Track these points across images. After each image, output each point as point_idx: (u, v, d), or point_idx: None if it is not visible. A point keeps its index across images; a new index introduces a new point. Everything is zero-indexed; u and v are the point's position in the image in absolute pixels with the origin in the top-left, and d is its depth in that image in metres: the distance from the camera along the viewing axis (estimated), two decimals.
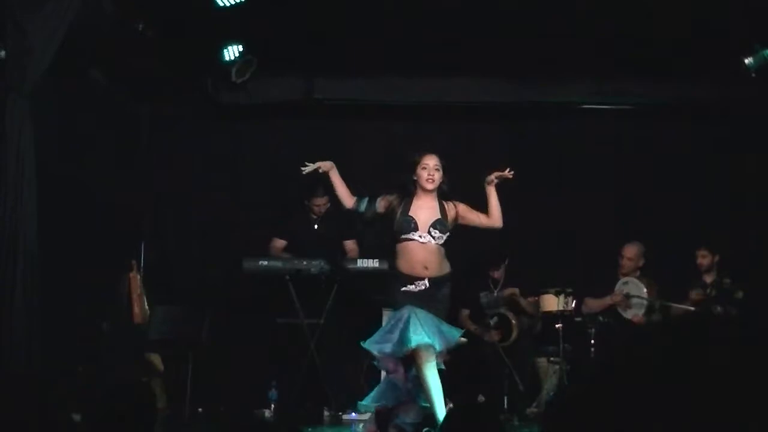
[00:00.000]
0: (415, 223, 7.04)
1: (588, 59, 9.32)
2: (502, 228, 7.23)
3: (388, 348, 6.87)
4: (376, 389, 7.28)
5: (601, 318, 9.25)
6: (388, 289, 7.23)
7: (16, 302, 6.52)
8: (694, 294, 9.22)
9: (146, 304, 8.70)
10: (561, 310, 9.18)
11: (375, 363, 7.38)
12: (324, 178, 7.39)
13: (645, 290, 9.20)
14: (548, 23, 8.71)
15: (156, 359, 8.59)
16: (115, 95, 9.17)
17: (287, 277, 9.05)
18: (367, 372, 9.41)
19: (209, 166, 10.16)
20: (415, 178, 7.15)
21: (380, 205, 7.23)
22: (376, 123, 10.31)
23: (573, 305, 9.25)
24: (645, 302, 9.17)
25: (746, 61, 8.82)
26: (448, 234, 7.07)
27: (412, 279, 6.98)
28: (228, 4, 8.21)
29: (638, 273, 9.41)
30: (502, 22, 8.74)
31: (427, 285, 6.97)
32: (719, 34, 8.61)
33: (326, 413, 9.04)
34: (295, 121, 10.29)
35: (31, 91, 6.67)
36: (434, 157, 7.19)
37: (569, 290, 9.22)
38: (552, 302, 9.28)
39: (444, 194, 7.19)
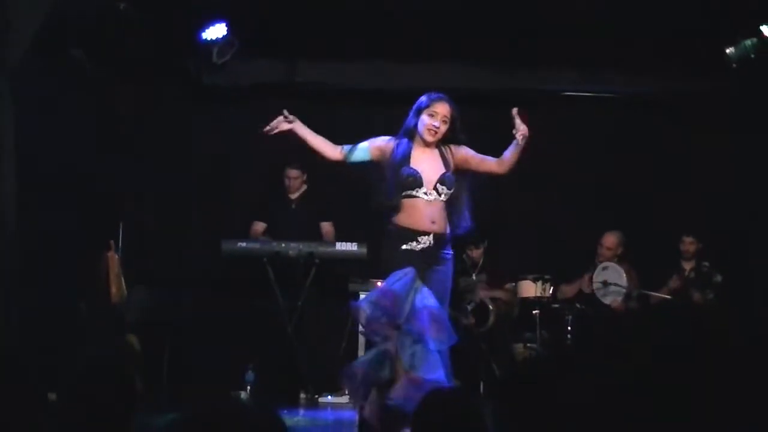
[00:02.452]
0: (420, 178, 6.40)
1: (571, 47, 9.32)
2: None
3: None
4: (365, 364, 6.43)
5: (578, 305, 9.28)
6: (386, 249, 6.46)
7: None
8: (673, 281, 9.28)
9: (124, 284, 8.67)
10: (538, 297, 9.23)
11: (361, 331, 6.69)
12: (293, 141, 6.93)
13: (624, 276, 9.23)
14: (534, 10, 8.72)
15: (133, 340, 8.57)
16: (97, 74, 9.11)
17: (265, 260, 9.06)
18: (344, 355, 9.43)
19: (189, 147, 10.12)
20: (416, 123, 6.50)
21: (372, 152, 6.62)
22: (358, 108, 10.29)
23: (551, 292, 9.29)
24: (623, 289, 9.21)
25: (728, 51, 8.84)
26: (453, 189, 6.45)
27: (416, 234, 6.34)
28: None
29: (616, 260, 9.46)
30: (488, 8, 8.74)
31: (431, 242, 6.34)
32: (703, 24, 8.63)
33: (302, 396, 9.06)
34: (276, 104, 10.24)
35: (11, 68, 6.63)
36: (446, 106, 6.49)
37: (547, 277, 9.26)
38: (530, 288, 9.32)
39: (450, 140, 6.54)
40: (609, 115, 10.30)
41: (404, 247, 6.34)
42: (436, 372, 6.12)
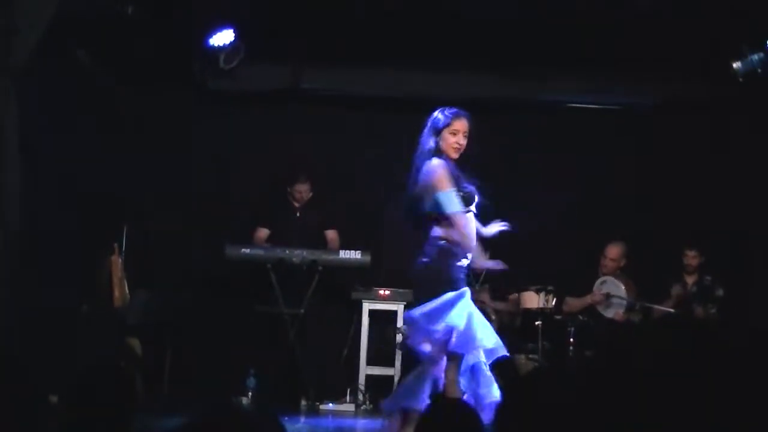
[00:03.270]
0: (474, 194, 6.37)
1: (575, 58, 9.32)
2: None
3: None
4: (405, 386, 6.36)
5: (580, 317, 9.26)
6: (441, 265, 6.26)
7: None
8: (675, 292, 9.27)
9: (127, 288, 8.67)
10: (541, 308, 9.20)
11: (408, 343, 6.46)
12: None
13: (623, 288, 9.23)
14: (538, 20, 8.72)
15: (135, 343, 8.56)
16: (102, 78, 9.12)
17: (269, 266, 9.05)
18: (345, 362, 9.44)
19: (194, 152, 10.12)
20: (437, 141, 6.39)
21: None
22: (363, 115, 10.30)
23: (553, 303, 9.26)
24: (624, 302, 9.20)
25: (734, 65, 8.83)
26: None
27: (465, 254, 6.30)
28: None
29: (618, 272, 9.45)
30: (493, 17, 8.74)
31: (469, 259, 6.36)
32: (708, 37, 8.63)
33: (303, 402, 9.05)
34: (281, 110, 10.27)
35: (16, 70, 6.64)
36: (465, 122, 6.45)
37: (550, 288, 9.23)
38: (532, 299, 9.29)
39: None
40: (614, 127, 10.29)
41: (459, 263, 6.31)
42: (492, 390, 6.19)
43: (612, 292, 9.27)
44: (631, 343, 1.82)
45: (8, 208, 6.63)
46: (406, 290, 8.89)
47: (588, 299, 9.40)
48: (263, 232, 9.58)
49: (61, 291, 8.06)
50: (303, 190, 9.56)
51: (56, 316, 7.93)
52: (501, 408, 3.38)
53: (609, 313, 9.27)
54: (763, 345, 1.70)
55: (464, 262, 6.30)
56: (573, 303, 9.47)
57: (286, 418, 8.03)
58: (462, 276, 6.29)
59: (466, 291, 6.26)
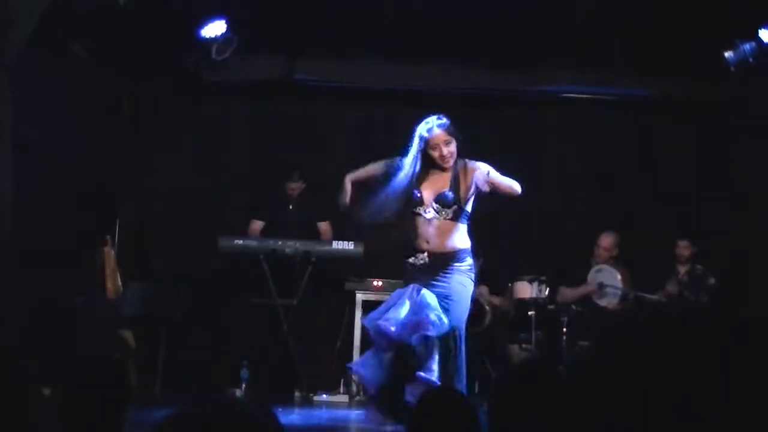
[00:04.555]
0: (421, 198, 6.68)
1: (571, 49, 9.32)
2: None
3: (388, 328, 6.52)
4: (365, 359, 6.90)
5: (574, 306, 9.28)
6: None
7: None
8: (671, 287, 9.30)
9: (119, 279, 8.67)
10: (534, 298, 9.22)
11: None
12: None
13: (619, 277, 9.26)
14: (535, 13, 8.72)
15: (128, 336, 8.56)
16: (96, 70, 9.11)
17: (262, 257, 9.05)
18: (339, 353, 9.44)
19: (188, 144, 10.11)
20: (427, 157, 6.70)
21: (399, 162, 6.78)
22: (357, 106, 10.30)
23: (546, 293, 9.28)
24: (619, 291, 9.22)
25: (726, 55, 8.84)
26: (454, 207, 6.63)
27: (415, 251, 6.71)
28: None
29: (611, 261, 9.47)
30: (490, 8, 8.73)
31: (426, 260, 6.65)
32: (701, 28, 8.63)
33: (297, 394, 9.06)
34: (275, 102, 10.26)
35: (10, 63, 6.63)
36: (441, 134, 6.68)
37: (543, 278, 9.26)
38: (525, 289, 9.31)
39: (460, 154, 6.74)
40: (607, 117, 10.31)
41: (408, 259, 6.75)
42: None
43: (607, 281, 9.30)
44: (625, 332, 1.82)
45: (2, 202, 6.62)
46: (400, 281, 8.89)
47: (582, 289, 9.42)
48: (257, 225, 9.58)
49: (57, 284, 8.05)
50: (295, 188, 9.59)
51: (52, 308, 7.93)
52: (496, 396, 3.40)
53: (603, 303, 9.29)
54: (757, 334, 1.70)
55: (412, 260, 6.71)
56: (567, 293, 9.48)
57: (280, 410, 8.04)
58: (409, 272, 6.74)
59: (406, 291, 6.64)
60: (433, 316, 6.51)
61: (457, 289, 6.68)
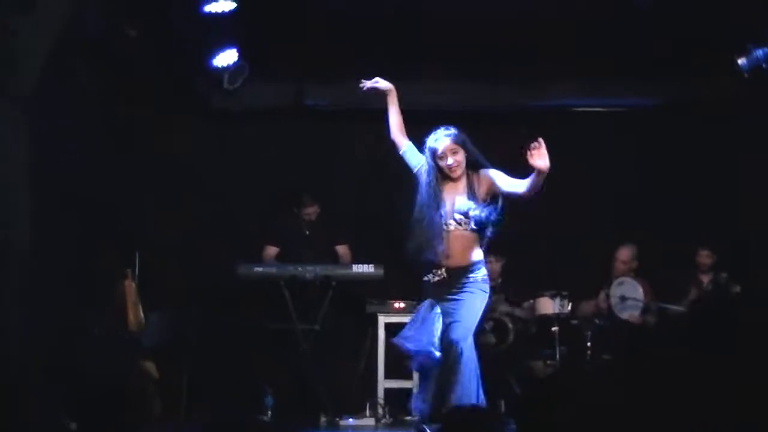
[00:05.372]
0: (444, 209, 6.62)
1: (580, 61, 9.32)
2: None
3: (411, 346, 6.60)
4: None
5: (596, 320, 9.25)
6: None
7: (6, 306, 6.50)
8: (693, 295, 9.26)
9: (141, 311, 8.67)
10: (557, 313, 9.19)
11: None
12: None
13: (641, 290, 9.22)
14: (539, 25, 8.73)
15: (150, 366, 8.56)
16: (107, 99, 9.13)
17: (282, 283, 9.04)
18: (362, 377, 9.41)
19: (201, 172, 10.12)
20: (436, 167, 6.70)
21: (419, 167, 6.76)
22: (368, 129, 10.29)
23: (569, 308, 9.25)
24: (641, 303, 9.18)
25: (739, 61, 8.82)
26: (477, 213, 6.57)
27: (431, 267, 6.63)
28: (219, 11, 8.23)
29: (632, 274, 9.43)
30: (495, 26, 8.75)
31: (445, 276, 6.60)
32: (712, 35, 8.62)
33: (323, 419, 9.03)
34: (286, 127, 10.28)
35: (21, 92, 6.65)
36: (447, 141, 6.69)
37: (565, 293, 9.23)
38: (547, 305, 9.29)
39: (473, 166, 6.73)
40: (620, 128, 10.29)
41: (424, 278, 6.69)
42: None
43: (629, 294, 9.27)
44: (648, 344, 1.80)
45: (18, 232, 6.63)
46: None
47: (595, 302, 9.41)
48: (272, 250, 9.57)
49: (73, 315, 8.05)
50: (311, 212, 9.58)
51: (68, 339, 7.92)
52: (522, 413, 3.37)
53: (624, 315, 9.25)
54: None
55: (429, 278, 6.66)
56: (585, 307, 9.48)
57: None
58: (425, 289, 6.71)
59: (424, 308, 6.64)
60: (431, 347, 6.53)
61: (469, 298, 6.61)
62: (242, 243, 9.82)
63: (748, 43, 8.74)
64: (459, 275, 6.60)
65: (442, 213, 6.62)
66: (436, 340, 6.51)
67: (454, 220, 6.61)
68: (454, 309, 6.58)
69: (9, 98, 6.57)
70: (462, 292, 6.60)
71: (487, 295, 6.75)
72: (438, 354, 6.50)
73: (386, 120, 6.99)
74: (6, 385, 3.14)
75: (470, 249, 6.63)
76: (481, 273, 6.67)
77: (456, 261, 6.60)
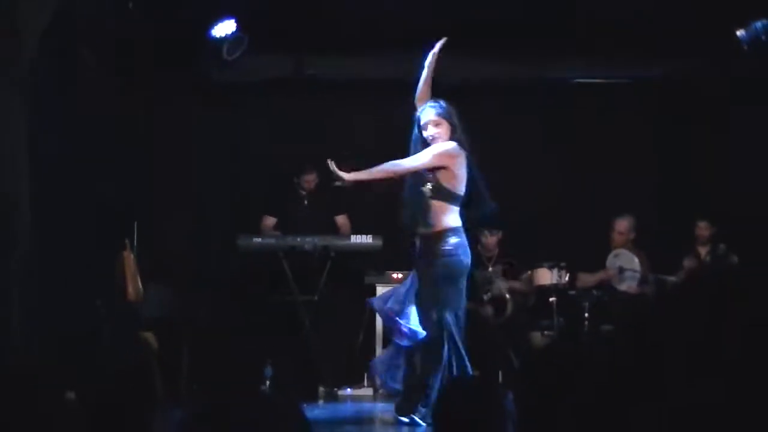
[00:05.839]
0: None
1: (579, 35, 9.29)
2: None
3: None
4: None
5: (594, 291, 9.27)
6: None
7: (10, 281, 6.52)
8: (688, 264, 9.27)
9: (140, 283, 8.68)
10: (555, 284, 9.21)
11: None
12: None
13: (637, 261, 9.24)
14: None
15: (150, 338, 8.58)
16: (106, 75, 9.11)
17: (281, 254, 9.05)
18: (361, 347, 9.43)
19: (200, 144, 10.11)
20: (423, 138, 6.82)
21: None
22: (369, 100, 10.27)
23: (567, 279, 9.27)
24: (638, 274, 9.20)
25: (738, 33, 8.79)
26: (433, 183, 6.70)
27: (413, 236, 6.86)
28: None
29: (629, 245, 9.44)
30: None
31: (418, 244, 6.77)
32: (712, 7, 8.60)
33: (321, 389, 9.06)
34: (286, 98, 10.26)
35: (20, 72, 6.64)
36: (430, 114, 6.83)
37: (563, 264, 9.24)
38: (546, 276, 9.30)
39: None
40: (619, 102, 10.28)
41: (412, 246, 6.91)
42: None
43: (626, 265, 9.28)
44: (648, 315, 1.81)
45: (20, 209, 6.64)
46: None
47: (601, 275, 9.40)
48: (270, 221, 9.57)
49: (76, 289, 8.07)
50: (311, 180, 9.56)
51: (71, 313, 7.94)
52: (520, 383, 3.38)
53: (622, 287, 9.27)
54: None
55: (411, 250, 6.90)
56: (586, 278, 9.47)
57: (305, 405, 8.05)
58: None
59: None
60: (405, 328, 6.65)
61: (441, 274, 6.68)
62: (242, 214, 9.82)
63: (747, 15, 8.72)
64: (430, 245, 6.70)
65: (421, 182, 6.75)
66: (405, 329, 6.66)
67: (428, 186, 6.73)
68: (433, 283, 6.73)
69: (6, 76, 6.55)
70: (435, 265, 6.71)
71: (463, 262, 6.78)
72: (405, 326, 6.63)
73: (417, 82, 7.08)
74: (10, 365, 3.16)
75: (438, 217, 6.71)
76: (452, 241, 6.71)
77: (426, 229, 6.72)
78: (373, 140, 9.71)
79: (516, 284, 9.59)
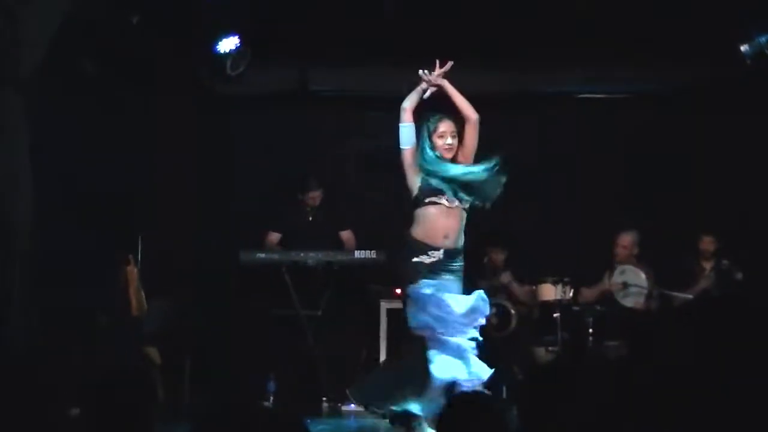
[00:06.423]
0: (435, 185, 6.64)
1: (581, 47, 9.30)
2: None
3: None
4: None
5: (598, 307, 9.25)
6: (396, 259, 6.87)
7: (12, 294, 6.51)
8: (704, 283, 9.25)
9: (144, 297, 8.69)
10: (558, 300, 9.19)
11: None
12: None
13: (644, 276, 9.20)
14: (541, 11, 8.72)
15: (153, 352, 8.58)
16: (109, 86, 9.12)
17: (284, 269, 9.05)
18: (365, 363, 9.42)
19: (204, 158, 10.12)
20: (432, 146, 6.71)
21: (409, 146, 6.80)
22: (371, 114, 10.28)
23: (570, 294, 9.25)
24: (644, 290, 9.17)
25: (742, 48, 8.80)
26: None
27: (427, 248, 6.57)
28: None
29: (633, 260, 9.42)
30: (497, 12, 8.74)
31: (441, 257, 6.57)
32: (715, 21, 8.60)
33: (325, 404, 9.04)
34: (289, 113, 10.27)
35: (23, 82, 6.64)
36: (450, 123, 6.76)
37: (566, 279, 9.22)
38: (549, 291, 9.29)
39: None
40: (622, 115, 10.29)
41: (415, 259, 6.60)
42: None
43: (632, 281, 9.24)
44: (654, 333, 1.80)
45: (21, 221, 6.64)
46: None
47: (601, 287, 9.39)
48: (274, 236, 9.56)
49: (78, 303, 8.06)
50: (315, 197, 9.56)
51: (73, 327, 7.94)
52: (524, 398, 3.37)
53: (628, 303, 9.23)
54: None
55: (423, 259, 6.58)
56: (587, 293, 9.47)
57: (309, 420, 8.01)
58: (415, 271, 6.58)
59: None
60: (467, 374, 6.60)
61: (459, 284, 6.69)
62: (245, 229, 9.81)
63: (751, 30, 8.73)
64: (453, 257, 6.64)
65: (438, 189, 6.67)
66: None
67: (456, 197, 6.66)
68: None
69: (10, 86, 6.56)
70: (453, 279, 6.67)
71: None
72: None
73: (409, 95, 7.01)
74: (12, 375, 3.15)
75: (462, 230, 6.72)
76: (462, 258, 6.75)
77: (453, 242, 6.65)
78: (376, 153, 9.72)
79: (523, 291, 9.58)
